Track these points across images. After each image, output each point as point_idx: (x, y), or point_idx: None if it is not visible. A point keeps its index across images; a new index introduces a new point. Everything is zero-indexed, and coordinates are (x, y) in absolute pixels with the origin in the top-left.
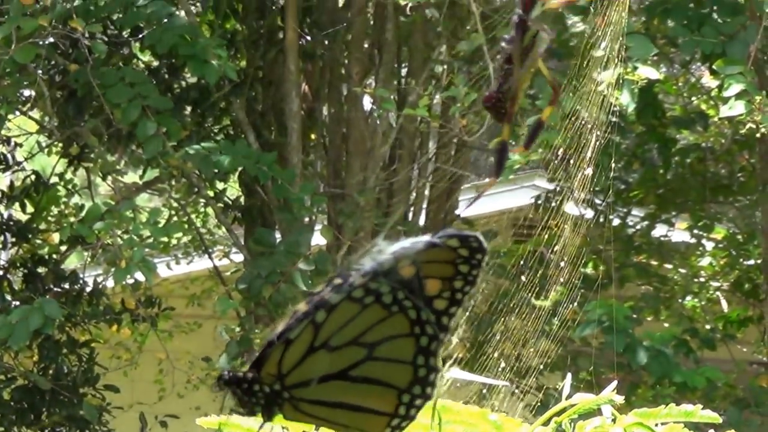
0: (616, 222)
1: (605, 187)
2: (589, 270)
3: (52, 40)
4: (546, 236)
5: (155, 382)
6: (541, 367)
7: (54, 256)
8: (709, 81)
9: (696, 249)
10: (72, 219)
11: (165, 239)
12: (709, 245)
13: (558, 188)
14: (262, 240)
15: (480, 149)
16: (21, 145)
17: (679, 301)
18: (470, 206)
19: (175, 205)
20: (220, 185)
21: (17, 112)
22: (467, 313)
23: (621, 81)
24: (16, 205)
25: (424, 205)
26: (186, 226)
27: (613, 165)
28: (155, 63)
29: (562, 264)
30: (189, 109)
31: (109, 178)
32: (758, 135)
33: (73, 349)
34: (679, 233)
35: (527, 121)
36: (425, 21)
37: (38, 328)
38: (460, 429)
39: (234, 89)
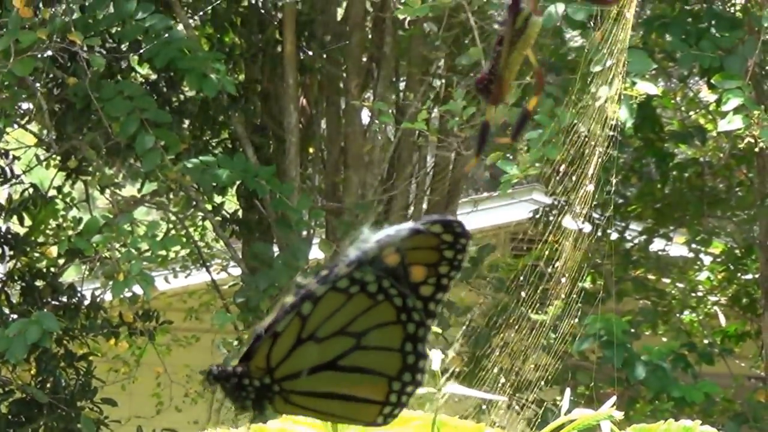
0: (613, 236)
1: (604, 201)
2: (587, 284)
3: (50, 53)
4: (546, 251)
5: (153, 395)
6: (542, 382)
7: (52, 269)
8: (707, 95)
9: (694, 263)
10: (70, 232)
11: (163, 252)
12: (707, 259)
13: (557, 203)
14: (260, 254)
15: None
16: (19, 158)
17: (677, 315)
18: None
19: (173, 218)
20: (218, 199)
21: (15, 125)
22: (465, 327)
23: (620, 96)
24: (14, 218)
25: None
26: (184, 239)
27: (614, 181)
28: (153, 76)
29: (563, 280)
30: (187, 122)
31: (108, 191)
32: (756, 149)
33: (71, 362)
34: (677, 247)
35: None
36: (423, 35)
37: (36, 341)
38: None
39: (232, 103)
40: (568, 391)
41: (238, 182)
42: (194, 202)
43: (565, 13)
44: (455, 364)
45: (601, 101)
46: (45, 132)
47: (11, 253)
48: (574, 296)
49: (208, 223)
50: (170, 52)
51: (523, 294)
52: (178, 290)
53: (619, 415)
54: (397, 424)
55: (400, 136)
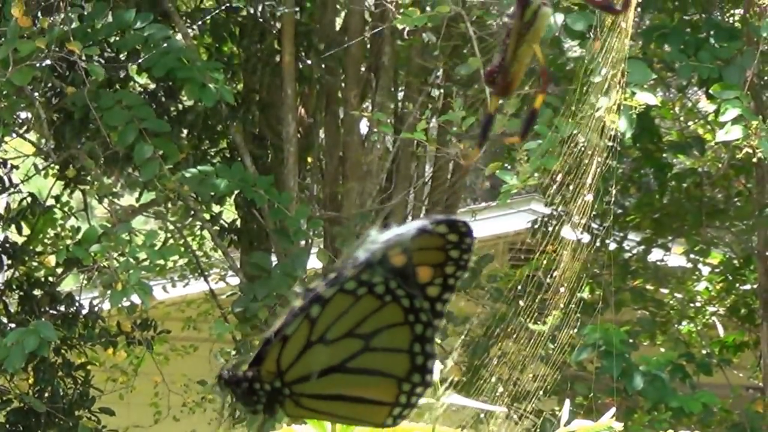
0: (612, 246)
1: (603, 211)
2: (586, 294)
3: (49, 62)
4: (545, 261)
5: (151, 405)
6: (541, 392)
7: (50, 278)
8: (705, 105)
9: (692, 274)
10: (68, 241)
11: (161, 262)
12: (706, 270)
13: (556, 213)
14: (258, 263)
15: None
16: (17, 167)
17: (676, 325)
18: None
19: (171, 227)
20: (216, 208)
21: (14, 135)
22: (463, 337)
23: (620, 107)
24: (13, 227)
25: None
26: (182, 249)
27: (613, 191)
28: (152, 86)
29: (562, 290)
30: (186, 132)
31: (106, 200)
32: (755, 160)
33: (69, 371)
34: (676, 258)
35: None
36: (422, 45)
37: (34, 351)
38: None
39: (231, 112)
40: (567, 402)
41: (236, 192)
42: (192, 212)
43: (565, 23)
44: (453, 373)
45: (600, 111)
46: (43, 141)
47: (9, 262)
48: (572, 306)
49: (206, 233)
50: (169, 61)
51: (521, 303)
52: (176, 300)
53: (619, 426)
54: None
55: (398, 146)
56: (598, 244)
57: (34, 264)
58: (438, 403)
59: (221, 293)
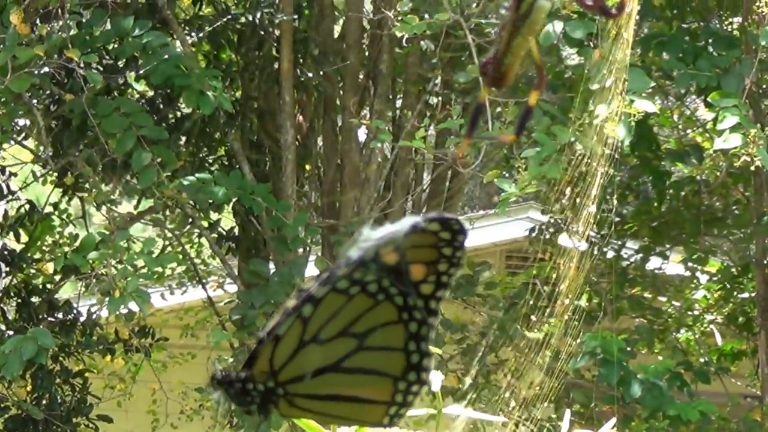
0: (610, 255)
1: (601, 219)
2: (584, 302)
3: (47, 69)
4: (544, 269)
5: (148, 412)
6: (542, 401)
7: (48, 285)
8: (704, 113)
9: (690, 282)
10: (66, 249)
11: (159, 269)
12: (704, 278)
13: (554, 221)
14: (256, 271)
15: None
16: (15, 175)
17: (673, 334)
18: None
19: (169, 235)
20: (214, 216)
21: (12, 142)
22: (463, 346)
23: (621, 116)
24: (10, 234)
25: None
26: (180, 256)
27: (615, 200)
28: (150, 93)
29: (567, 301)
30: (184, 139)
31: (104, 208)
32: (753, 168)
33: (67, 378)
34: (674, 266)
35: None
36: (421, 52)
37: (31, 358)
38: None
39: (229, 120)
40: (568, 412)
41: (234, 199)
42: (190, 219)
43: (564, 31)
44: (451, 382)
45: (600, 120)
46: (42, 148)
47: (7, 269)
48: (570, 315)
49: (204, 240)
50: (167, 69)
51: (525, 311)
52: (174, 307)
53: None
54: None
55: (396, 153)
56: (596, 252)
57: (32, 271)
58: (439, 414)
59: (219, 301)
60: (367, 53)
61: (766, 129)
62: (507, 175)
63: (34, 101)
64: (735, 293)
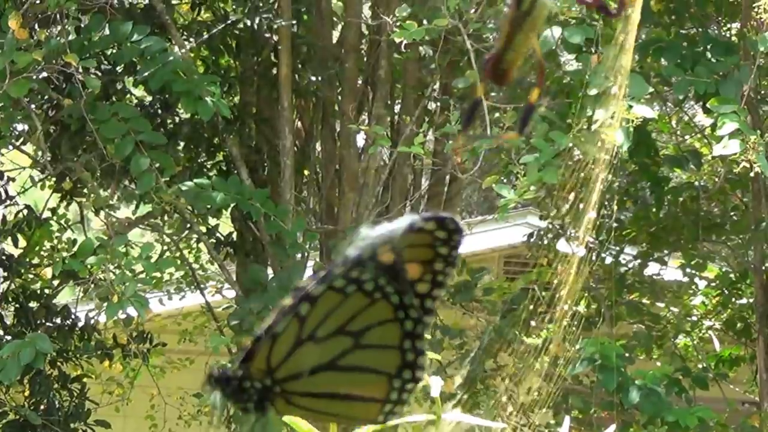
0: (608, 260)
1: (601, 225)
2: (582, 308)
3: (46, 74)
4: (542, 274)
5: (147, 417)
6: (540, 407)
7: (46, 290)
8: (702, 119)
9: (688, 288)
10: (64, 254)
11: (157, 274)
12: (702, 284)
13: (555, 227)
14: (254, 276)
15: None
16: (14, 180)
17: (672, 339)
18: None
19: (167, 240)
20: (212, 221)
21: (10, 147)
22: (461, 351)
23: (621, 122)
24: (9, 239)
25: None
26: (178, 261)
27: (615, 206)
28: (149, 98)
29: (566, 307)
30: (182, 144)
31: (102, 213)
32: (752, 174)
33: (65, 384)
34: (672, 272)
35: (520, 158)
36: (419, 58)
37: (29, 363)
38: None
39: (227, 125)
40: (567, 419)
41: (232, 204)
42: (189, 224)
43: (562, 36)
44: (449, 387)
45: (599, 125)
46: (40, 153)
47: (5, 274)
48: (568, 321)
49: (202, 245)
50: (165, 74)
51: (523, 317)
52: (172, 312)
53: None
54: None
55: (395, 158)
56: (594, 258)
57: (30, 276)
58: (438, 420)
59: (217, 306)
60: (365, 58)
61: (765, 135)
62: (505, 180)
63: (33, 106)
64: (733, 299)
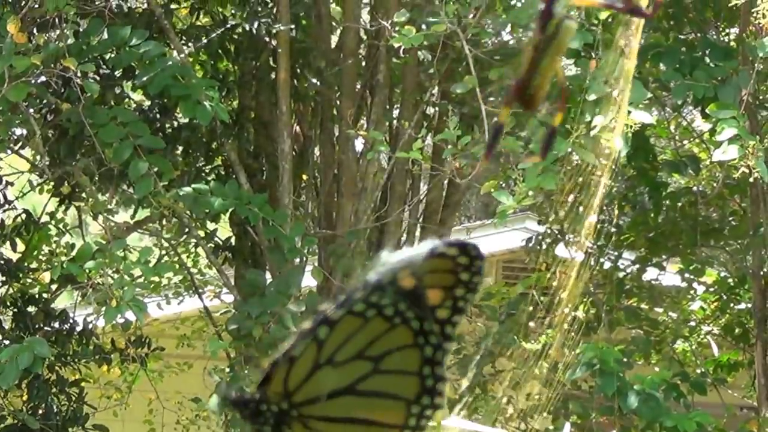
0: (606, 265)
1: (599, 230)
2: (581, 313)
3: (44, 78)
4: (541, 279)
5: (145, 422)
6: (541, 411)
7: (44, 295)
8: (701, 124)
9: (687, 293)
10: (63, 258)
11: (156, 279)
12: (700, 289)
13: (554, 232)
14: (252, 281)
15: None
16: (12, 184)
17: (670, 344)
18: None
19: (166, 245)
20: (211, 225)
21: (9, 151)
22: (459, 356)
23: (623, 127)
24: (7, 243)
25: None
26: (177, 266)
27: (617, 211)
28: (147, 102)
29: (566, 311)
30: (181, 148)
31: (100, 217)
32: (751, 179)
33: (63, 388)
34: (670, 277)
35: (519, 163)
36: (418, 63)
37: (28, 367)
38: None
39: (226, 130)
40: (568, 425)
41: (230, 209)
42: (187, 229)
43: None
44: (450, 393)
45: (596, 129)
46: (38, 158)
47: (4, 278)
48: (568, 325)
49: (201, 250)
50: (164, 78)
51: (522, 321)
52: (170, 317)
53: None
54: None
55: (393, 163)
56: (593, 263)
57: (29, 280)
58: (439, 427)
59: (216, 310)
60: (364, 63)
61: (764, 140)
62: (503, 185)
63: (31, 110)
64: (731, 304)
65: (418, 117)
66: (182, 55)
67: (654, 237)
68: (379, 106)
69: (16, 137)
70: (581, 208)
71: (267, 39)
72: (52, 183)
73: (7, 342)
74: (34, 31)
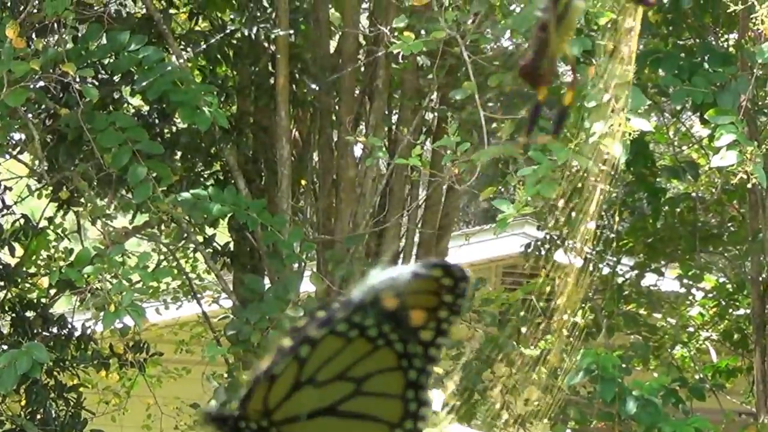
0: (605, 271)
1: (598, 236)
2: (580, 319)
3: (43, 83)
4: (540, 284)
5: (143, 427)
6: (543, 419)
7: (43, 300)
8: (699, 130)
9: (686, 298)
10: (61, 263)
11: (154, 284)
12: (699, 295)
13: (553, 238)
14: (250, 286)
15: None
16: (10, 189)
17: (669, 350)
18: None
19: (164, 250)
20: (209, 230)
21: (7, 156)
22: (459, 362)
23: (622, 134)
24: (5, 248)
25: (414, 252)
26: (175, 271)
27: (616, 218)
28: (146, 108)
29: (565, 316)
30: (179, 154)
31: (99, 222)
32: (749, 185)
33: (61, 393)
34: (669, 282)
35: (517, 170)
36: (417, 68)
37: (26, 372)
38: None
39: (224, 135)
40: None
41: (229, 214)
42: (186, 234)
43: None
44: (449, 398)
45: (596, 136)
46: (37, 163)
47: (2, 283)
48: (568, 331)
49: (199, 255)
50: (163, 84)
51: (524, 330)
52: (169, 322)
53: None
54: None
55: (392, 168)
56: (592, 268)
57: (27, 285)
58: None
59: (214, 316)
60: (363, 68)
61: (762, 146)
62: (503, 190)
63: (30, 115)
64: (730, 310)
65: (417, 122)
66: (181, 61)
67: (653, 243)
68: (377, 111)
69: (14, 142)
70: (580, 214)
71: (266, 44)
72: (51, 188)
73: (5, 347)
74: (33, 35)
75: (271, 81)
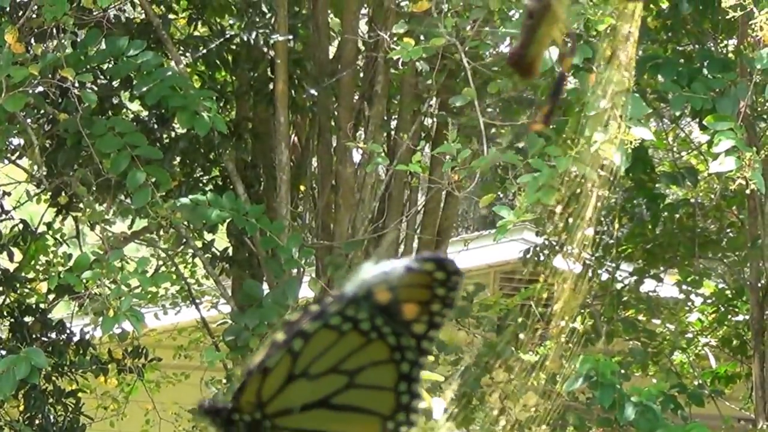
0: (604, 277)
1: (597, 242)
2: (578, 325)
3: (42, 88)
4: (539, 290)
5: None
6: (541, 424)
7: (41, 305)
8: (699, 136)
9: (684, 304)
10: (60, 268)
11: (153, 289)
12: (698, 301)
13: (548, 243)
14: (249, 292)
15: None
16: (9, 194)
17: (668, 356)
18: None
19: (163, 255)
20: (208, 236)
21: (6, 161)
22: (457, 367)
23: (621, 142)
24: (4, 253)
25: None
26: (174, 276)
27: (616, 224)
28: (145, 113)
29: (562, 323)
30: (178, 159)
31: (98, 227)
32: (748, 191)
33: (60, 398)
34: (668, 288)
35: (517, 177)
36: (416, 74)
37: (24, 378)
38: None
39: (223, 140)
40: None
41: (228, 220)
42: (184, 239)
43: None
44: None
45: (597, 145)
46: (36, 168)
47: (1, 288)
48: (566, 337)
49: (198, 260)
50: (162, 89)
51: (519, 333)
52: (167, 327)
53: None
54: None
55: (391, 174)
56: (591, 274)
57: (26, 291)
58: None
59: (213, 321)
60: (362, 74)
61: (761, 152)
62: (501, 196)
63: (29, 120)
64: (729, 316)
65: (416, 128)
66: (180, 66)
67: (652, 248)
68: (377, 117)
69: (13, 147)
70: (579, 220)
71: (265, 50)
72: (50, 193)
73: (3, 352)
74: (32, 41)
75: (270, 86)
